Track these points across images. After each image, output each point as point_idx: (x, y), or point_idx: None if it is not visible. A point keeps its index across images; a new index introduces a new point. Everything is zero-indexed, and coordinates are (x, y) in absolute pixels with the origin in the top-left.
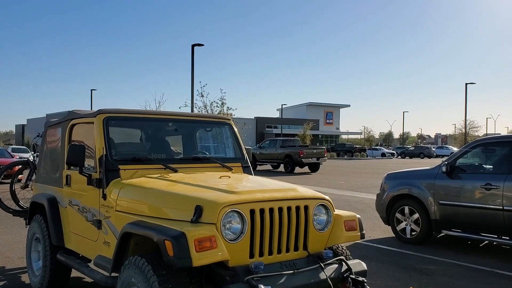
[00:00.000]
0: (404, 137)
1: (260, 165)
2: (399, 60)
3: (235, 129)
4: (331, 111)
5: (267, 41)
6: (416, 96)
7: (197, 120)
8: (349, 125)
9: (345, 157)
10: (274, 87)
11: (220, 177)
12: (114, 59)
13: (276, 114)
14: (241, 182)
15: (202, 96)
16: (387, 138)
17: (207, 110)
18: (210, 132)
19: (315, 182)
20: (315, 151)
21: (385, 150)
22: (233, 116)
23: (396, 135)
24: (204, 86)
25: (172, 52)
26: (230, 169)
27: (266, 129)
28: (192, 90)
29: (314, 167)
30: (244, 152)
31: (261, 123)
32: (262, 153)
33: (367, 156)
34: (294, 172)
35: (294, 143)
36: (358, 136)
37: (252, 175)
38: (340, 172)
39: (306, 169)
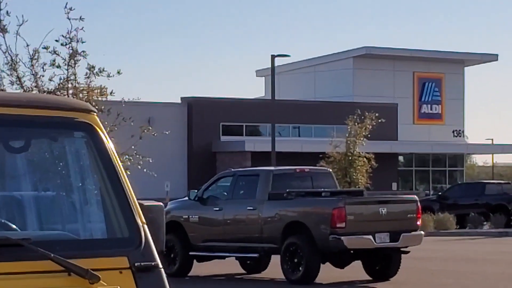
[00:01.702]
0: None
1: (202, 258)
2: None
3: (108, 142)
4: (437, 77)
5: None
6: None
7: None
8: (497, 123)
9: (486, 227)
10: (251, 12)
11: None
12: None
13: (257, 90)
14: None
15: (3, 30)
16: None
17: (19, 80)
18: (24, 153)
19: None
20: (369, 210)
21: None
22: (109, 97)
23: None
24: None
25: None
26: (91, 277)
27: (223, 138)
28: None
29: (383, 263)
30: (140, 217)
31: (207, 118)
32: (209, 218)
33: None
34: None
35: (322, 180)
36: None
37: None
38: (468, 279)
39: (355, 268)
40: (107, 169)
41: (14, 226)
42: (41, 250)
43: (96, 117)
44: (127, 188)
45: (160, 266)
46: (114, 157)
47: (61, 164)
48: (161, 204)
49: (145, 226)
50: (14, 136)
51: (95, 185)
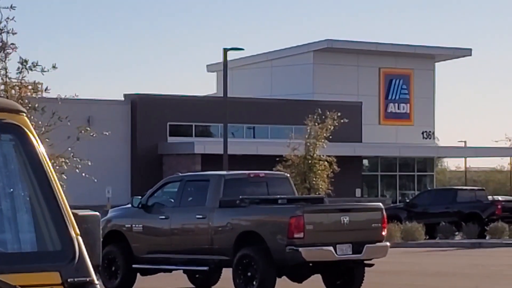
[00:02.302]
0: None
1: (147, 272)
2: None
3: (38, 146)
4: (405, 73)
5: None
6: None
7: None
8: (470, 124)
9: (457, 237)
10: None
11: None
12: None
13: (208, 86)
14: None
15: None
16: None
17: None
18: None
19: None
20: (330, 218)
21: None
22: (44, 94)
23: None
24: None
25: None
26: None
27: (170, 139)
28: None
29: (345, 277)
30: (73, 228)
31: (152, 117)
32: (155, 227)
33: None
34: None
35: (279, 186)
36: (503, 163)
37: None
38: None
39: (315, 283)
40: (38, 175)
41: None
42: None
43: (26, 118)
44: (59, 195)
45: (96, 282)
46: (45, 162)
47: None
48: (98, 213)
49: (79, 238)
50: None
51: (25, 193)
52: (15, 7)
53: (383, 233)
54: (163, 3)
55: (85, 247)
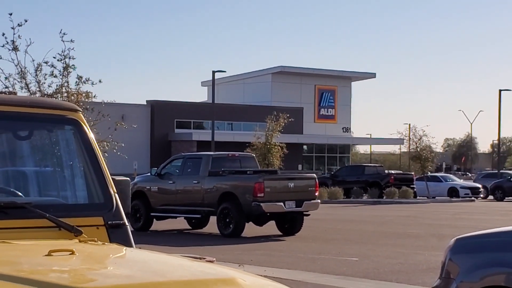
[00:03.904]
0: (504, 149)
1: (160, 218)
2: None
3: (90, 133)
4: (331, 88)
5: None
6: None
7: None
8: (374, 123)
9: (364, 197)
10: (199, 36)
11: (49, 254)
12: None
13: (202, 95)
14: (103, 267)
15: (15, 49)
16: (462, 153)
17: (26, 86)
18: (28, 140)
19: (286, 259)
20: (281, 184)
21: (459, 182)
22: (93, 99)
23: (484, 146)
24: (20, 25)
25: None
26: (76, 231)
27: (176, 130)
28: None
29: (290, 222)
30: (112, 188)
31: (165, 116)
32: (165, 189)
33: (415, 197)
34: (242, 235)
35: (248, 163)
36: (395, 148)
37: (132, 246)
38: (352, 234)
39: (270, 227)
40: (89, 153)
41: (19, 193)
42: (39, 211)
43: (81, 114)
44: (103, 166)
45: (127, 224)
46: (94, 144)
47: (55, 148)
48: (128, 179)
49: (116, 195)
50: (21, 127)
51: (80, 164)
52: (73, 40)
53: (316, 194)
54: (173, 43)
55: (120, 200)
